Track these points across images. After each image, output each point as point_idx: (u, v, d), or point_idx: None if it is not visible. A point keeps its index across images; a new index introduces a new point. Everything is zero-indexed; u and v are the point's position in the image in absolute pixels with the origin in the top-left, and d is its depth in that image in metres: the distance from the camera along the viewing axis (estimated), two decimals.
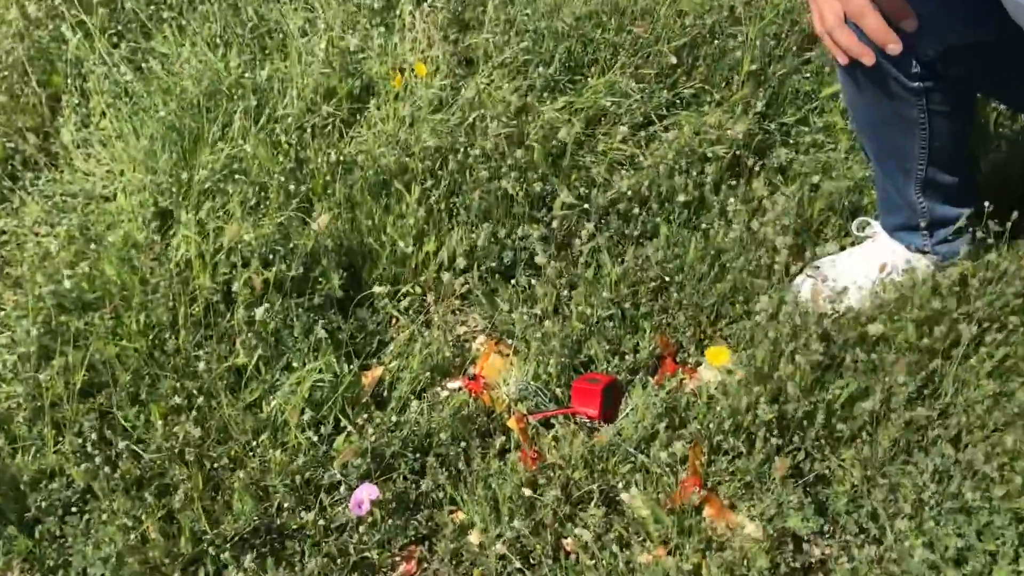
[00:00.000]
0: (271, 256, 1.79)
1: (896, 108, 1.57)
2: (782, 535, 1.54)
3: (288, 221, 1.88)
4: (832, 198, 1.98)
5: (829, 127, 2.16)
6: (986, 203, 1.65)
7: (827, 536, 1.56)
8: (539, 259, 1.83)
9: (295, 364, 1.69)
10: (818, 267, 1.87)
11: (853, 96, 1.65)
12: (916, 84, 1.53)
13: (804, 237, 1.91)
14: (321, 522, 1.52)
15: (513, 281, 1.86)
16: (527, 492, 1.54)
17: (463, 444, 1.63)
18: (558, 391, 1.73)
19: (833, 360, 1.68)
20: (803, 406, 1.59)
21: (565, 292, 1.84)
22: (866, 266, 1.84)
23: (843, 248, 1.95)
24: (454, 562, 1.53)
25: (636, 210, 1.95)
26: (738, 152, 2.04)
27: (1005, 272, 1.67)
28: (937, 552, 1.43)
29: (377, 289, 1.82)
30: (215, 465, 1.58)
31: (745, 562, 1.45)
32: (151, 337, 1.71)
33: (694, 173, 1.99)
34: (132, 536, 1.47)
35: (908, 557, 1.43)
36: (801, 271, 1.86)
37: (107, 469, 1.52)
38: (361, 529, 1.51)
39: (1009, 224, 1.65)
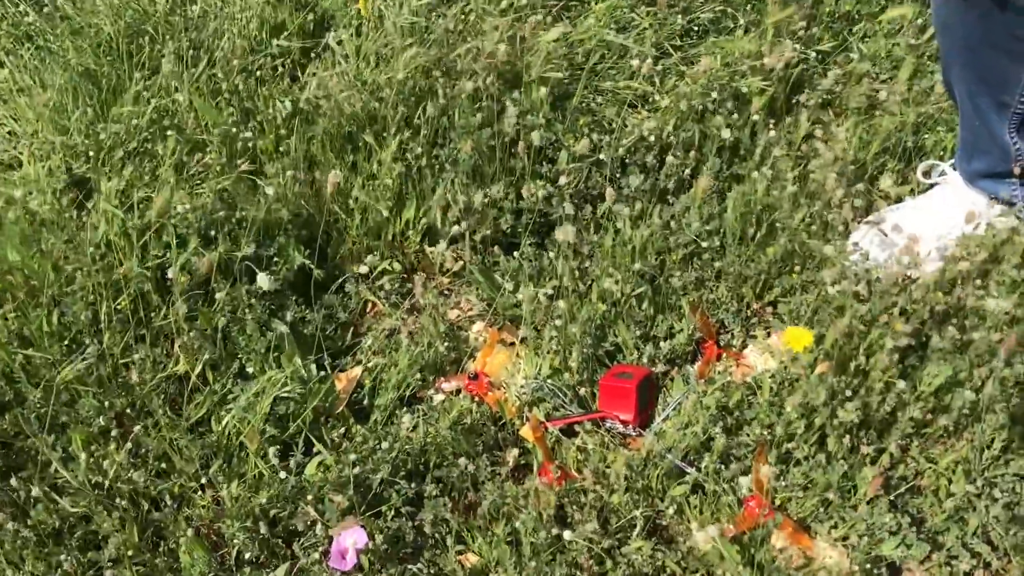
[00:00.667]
0: (213, 232, 1.55)
1: (1010, 25, 1.34)
2: (875, 564, 1.26)
3: (234, 186, 1.65)
4: (890, 138, 1.67)
5: (876, 54, 1.84)
6: None
7: (925, 562, 1.28)
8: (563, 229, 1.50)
9: (251, 369, 1.45)
10: (880, 221, 1.58)
11: (952, 10, 1.41)
12: None
13: (860, 185, 1.61)
14: None
15: (516, 252, 1.60)
16: (563, 532, 1.24)
17: (468, 464, 1.37)
18: (581, 390, 1.45)
19: (917, 338, 1.38)
20: (890, 399, 1.29)
21: (582, 264, 1.52)
22: (938, 219, 1.60)
23: (900, 199, 1.68)
24: None
25: (659, 160, 1.67)
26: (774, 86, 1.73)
27: None
28: None
29: (350, 268, 1.59)
30: (155, 507, 1.35)
31: None
32: (67, 341, 1.48)
33: (728, 113, 1.67)
34: None
35: None
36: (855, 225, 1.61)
37: (12, 523, 1.26)
38: None
39: None
